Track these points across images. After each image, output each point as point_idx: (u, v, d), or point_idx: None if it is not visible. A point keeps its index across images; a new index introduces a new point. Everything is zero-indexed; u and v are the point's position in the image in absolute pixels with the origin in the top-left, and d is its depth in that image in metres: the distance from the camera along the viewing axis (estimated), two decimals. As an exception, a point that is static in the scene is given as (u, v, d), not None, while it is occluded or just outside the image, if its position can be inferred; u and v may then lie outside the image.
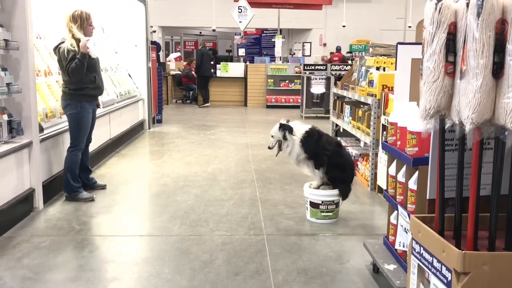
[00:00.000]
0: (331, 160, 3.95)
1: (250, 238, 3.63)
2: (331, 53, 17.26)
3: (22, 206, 3.98)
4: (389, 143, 2.95)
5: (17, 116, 4.02)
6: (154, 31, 16.76)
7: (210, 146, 7.37)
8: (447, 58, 1.92)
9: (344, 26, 17.15)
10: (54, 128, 4.76)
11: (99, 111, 5.18)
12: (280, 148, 4.07)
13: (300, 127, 4.03)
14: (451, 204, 2.22)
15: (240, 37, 16.52)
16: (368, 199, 4.74)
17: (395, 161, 2.88)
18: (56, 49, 4.36)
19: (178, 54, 18.57)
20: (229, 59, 16.32)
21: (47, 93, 4.91)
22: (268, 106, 13.37)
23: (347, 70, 10.38)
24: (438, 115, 2.01)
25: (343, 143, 6.13)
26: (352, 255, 3.35)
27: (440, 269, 1.97)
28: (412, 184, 2.56)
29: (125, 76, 8.29)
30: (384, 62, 5.35)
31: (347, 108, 5.95)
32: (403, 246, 2.71)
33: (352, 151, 5.73)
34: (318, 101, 11.29)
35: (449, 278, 1.90)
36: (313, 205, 3.97)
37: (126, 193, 4.90)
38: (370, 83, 5.05)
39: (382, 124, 4.59)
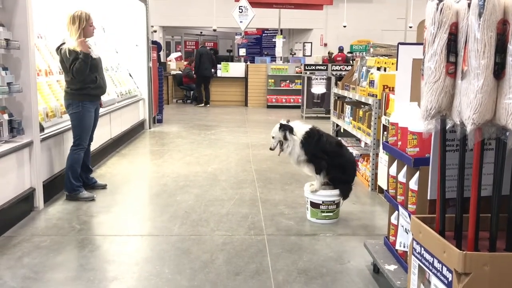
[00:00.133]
0: (331, 160, 3.95)
1: (250, 238, 3.63)
2: (329, 53, 17.24)
3: (22, 205, 3.98)
4: (390, 144, 2.94)
5: (18, 116, 4.02)
6: (155, 31, 16.77)
7: (210, 146, 7.37)
8: (448, 59, 1.92)
9: (345, 26, 17.15)
10: (55, 127, 4.76)
11: (100, 110, 5.17)
12: (282, 149, 4.06)
13: (301, 127, 4.02)
14: (452, 205, 2.22)
15: (241, 37, 16.54)
16: (369, 200, 4.74)
17: (396, 162, 2.88)
18: (58, 50, 4.38)
19: (179, 54, 18.58)
20: (230, 59, 16.33)
21: (47, 92, 4.91)
22: (268, 106, 13.38)
23: (347, 70, 10.38)
24: (439, 115, 2.01)
25: (344, 143, 6.13)
26: (352, 255, 3.35)
27: (440, 270, 1.97)
28: (413, 184, 2.56)
29: (125, 76, 8.29)
30: (385, 63, 5.35)
31: (347, 109, 5.95)
32: (404, 247, 2.71)
33: (353, 151, 5.72)
34: (319, 101, 11.28)
35: (450, 279, 1.89)
36: (314, 205, 3.97)
37: (126, 192, 4.90)
38: (371, 83, 5.05)
39: (383, 125, 4.59)
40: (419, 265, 2.17)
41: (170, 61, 16.01)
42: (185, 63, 15.05)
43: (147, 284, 2.89)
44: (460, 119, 1.89)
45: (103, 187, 4.90)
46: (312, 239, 3.64)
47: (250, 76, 13.64)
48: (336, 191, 3.98)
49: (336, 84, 6.95)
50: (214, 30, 16.84)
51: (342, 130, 6.60)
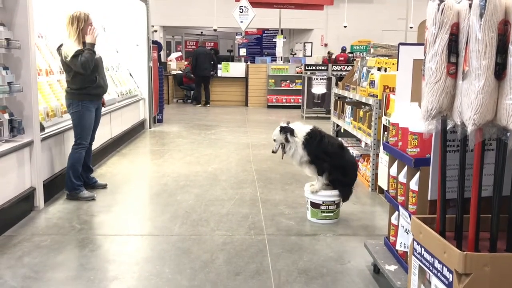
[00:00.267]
0: (333, 162, 3.94)
1: (250, 238, 3.63)
2: (329, 53, 17.23)
3: (23, 205, 3.99)
4: (391, 144, 2.94)
5: (18, 115, 4.02)
6: (155, 31, 16.77)
7: (211, 146, 7.37)
8: (449, 59, 1.92)
9: (345, 27, 17.14)
10: (55, 127, 4.76)
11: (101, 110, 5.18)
12: (284, 151, 4.05)
13: (302, 128, 4.01)
14: (452, 205, 2.22)
15: (241, 37, 16.53)
16: (369, 200, 4.74)
17: (396, 162, 2.88)
18: (59, 49, 4.38)
19: (179, 53, 18.57)
20: (230, 59, 16.32)
21: (48, 92, 4.92)
22: (269, 106, 13.38)
23: (348, 70, 10.38)
24: (440, 116, 2.01)
25: (344, 144, 6.13)
26: (353, 255, 3.35)
27: (441, 270, 1.97)
28: (414, 185, 2.56)
29: (126, 76, 8.29)
30: (386, 63, 5.35)
31: (348, 109, 5.94)
32: (404, 247, 2.71)
33: (353, 151, 5.72)
34: (319, 101, 11.28)
35: (450, 279, 1.90)
36: (314, 205, 3.97)
37: (127, 192, 4.91)
38: (371, 83, 5.05)
39: (383, 125, 4.59)
40: (419, 265, 2.17)
41: (170, 61, 16.01)
42: (186, 63, 15.05)
43: (148, 284, 2.89)
44: (461, 120, 1.89)
45: (104, 186, 4.90)
46: (313, 239, 3.64)
47: (250, 76, 13.64)
48: (337, 191, 3.98)
49: (336, 84, 6.95)
50: (215, 30, 16.84)
51: (342, 130, 6.60)
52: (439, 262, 1.98)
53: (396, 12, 17.87)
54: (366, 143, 5.19)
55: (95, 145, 5.26)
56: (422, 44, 2.10)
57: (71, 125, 4.60)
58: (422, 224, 2.15)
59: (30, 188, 4.10)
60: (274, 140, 4.06)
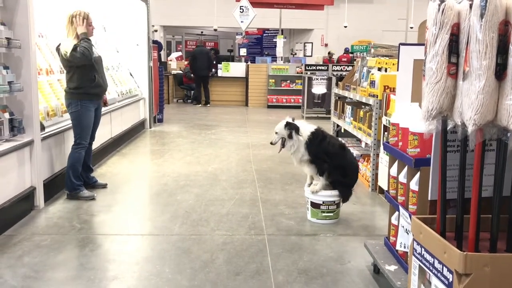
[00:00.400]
0: (333, 162, 3.94)
1: (250, 238, 3.63)
2: (329, 53, 17.23)
3: (23, 204, 3.99)
4: (391, 144, 2.94)
5: (19, 115, 4.02)
6: (156, 31, 16.77)
7: (211, 146, 7.37)
8: (450, 59, 1.92)
9: (345, 27, 17.15)
10: (55, 126, 4.76)
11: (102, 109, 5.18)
12: (283, 146, 4.04)
13: (306, 128, 4.00)
14: (452, 205, 2.22)
15: (242, 37, 16.53)
16: (369, 200, 4.74)
17: (396, 162, 2.88)
18: (58, 48, 4.39)
19: (180, 53, 18.57)
20: (231, 58, 16.32)
21: (48, 91, 4.92)
22: (269, 106, 13.38)
23: (348, 70, 10.38)
24: (440, 116, 2.01)
25: (345, 144, 6.13)
26: (353, 255, 3.35)
27: (441, 270, 1.97)
28: (414, 185, 2.56)
29: (126, 75, 8.30)
30: (386, 63, 5.35)
31: (348, 109, 5.94)
32: (404, 247, 2.71)
33: (353, 151, 5.72)
34: (319, 101, 11.29)
35: (450, 279, 1.90)
36: (314, 205, 3.97)
37: (127, 192, 4.91)
38: (372, 83, 5.05)
39: (384, 125, 4.59)
40: (419, 265, 2.17)
41: (170, 60, 16.00)
42: (186, 62, 15.05)
43: (148, 284, 2.89)
44: (461, 120, 1.89)
45: (104, 186, 4.90)
46: (313, 239, 3.64)
47: (250, 76, 13.64)
48: (337, 192, 3.98)
49: (336, 85, 6.95)
50: (215, 30, 16.85)
51: (342, 131, 6.60)
52: (439, 262, 1.98)
53: (396, 12, 17.87)
54: (366, 143, 5.19)
55: (95, 144, 5.27)
56: (423, 44, 2.10)
57: (71, 124, 4.60)
58: (422, 224, 2.15)
59: (30, 187, 4.11)
60: (276, 133, 4.04)
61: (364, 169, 5.30)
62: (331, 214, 3.98)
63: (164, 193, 4.80)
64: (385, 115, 4.55)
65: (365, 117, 5.22)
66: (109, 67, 7.31)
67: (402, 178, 2.73)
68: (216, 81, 13.86)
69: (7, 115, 3.88)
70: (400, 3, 17.31)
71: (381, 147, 4.50)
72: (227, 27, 18.53)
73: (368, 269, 3.13)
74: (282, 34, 14.70)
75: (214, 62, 14.00)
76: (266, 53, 19.78)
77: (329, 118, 7.53)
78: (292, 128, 3.95)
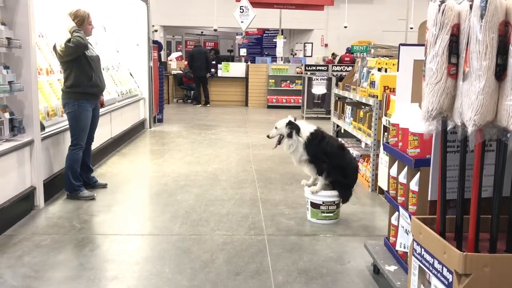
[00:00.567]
0: (332, 163, 3.94)
1: (250, 238, 3.63)
2: (332, 54, 17.25)
3: (23, 204, 3.99)
4: (391, 144, 2.95)
5: (19, 114, 4.03)
6: (156, 31, 16.76)
7: (211, 146, 7.37)
8: (450, 60, 1.92)
9: (345, 27, 17.14)
10: (56, 126, 4.76)
11: (100, 110, 5.17)
12: (279, 142, 4.06)
13: (306, 128, 4.01)
14: (452, 206, 2.22)
15: (242, 37, 16.52)
16: (369, 200, 4.74)
17: (396, 162, 2.88)
18: (54, 48, 4.39)
19: (180, 53, 18.57)
20: (231, 59, 16.32)
21: (48, 91, 4.92)
22: (269, 106, 13.38)
23: (348, 71, 10.38)
24: (440, 116, 2.02)
25: (345, 145, 6.13)
26: (352, 256, 3.35)
27: (441, 271, 1.97)
28: (414, 185, 2.56)
29: (126, 75, 8.30)
30: (386, 63, 5.35)
31: (348, 109, 5.95)
32: (404, 247, 2.71)
33: (353, 152, 5.72)
34: (319, 101, 11.29)
35: (450, 280, 1.90)
36: (314, 205, 3.98)
37: (127, 192, 4.91)
38: (372, 84, 5.05)
39: (384, 125, 4.59)
40: (419, 266, 2.18)
41: (170, 60, 16.00)
42: (186, 63, 15.05)
43: (147, 284, 2.89)
44: (461, 120, 1.90)
45: (104, 186, 4.90)
46: (313, 240, 3.64)
47: (250, 76, 13.64)
48: (336, 192, 3.98)
49: (336, 85, 6.95)
50: (215, 30, 16.84)
51: (342, 131, 6.61)
52: (439, 262, 1.98)
53: (396, 13, 17.86)
54: (366, 144, 5.19)
55: (95, 144, 5.27)
56: (423, 45, 2.10)
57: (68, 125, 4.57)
58: (422, 225, 2.15)
59: (30, 187, 4.11)
60: (276, 128, 4.05)
61: (364, 169, 5.31)
62: (331, 214, 3.98)
63: (164, 193, 4.80)
64: (385, 115, 4.55)
65: (365, 118, 5.23)
66: (109, 67, 7.31)
67: (402, 178, 2.74)
68: (216, 81, 13.86)
69: (7, 115, 3.88)
70: (400, 3, 17.31)
71: (381, 148, 4.51)
72: (227, 27, 18.52)
73: (368, 269, 3.13)
74: (282, 34, 14.70)
75: (214, 62, 13.99)
76: (266, 53, 19.78)
77: (329, 118, 7.53)
78: (293, 128, 3.96)
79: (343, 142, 5.79)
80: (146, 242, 3.60)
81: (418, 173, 2.53)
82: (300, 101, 12.17)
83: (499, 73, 1.77)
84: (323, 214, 3.97)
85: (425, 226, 2.13)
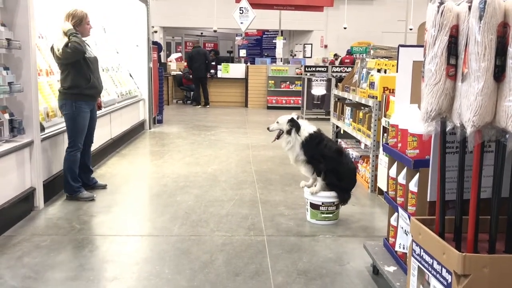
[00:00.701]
0: (328, 166, 3.95)
1: (250, 239, 3.64)
2: (335, 55, 17.28)
3: (22, 205, 3.99)
4: (390, 145, 2.95)
5: (19, 115, 4.03)
6: (156, 32, 16.78)
7: (210, 147, 7.37)
8: (448, 61, 1.93)
9: (345, 28, 17.17)
10: (55, 127, 4.76)
11: (100, 111, 5.17)
12: (278, 137, 4.08)
13: (306, 128, 4.02)
14: (451, 207, 2.23)
15: (241, 38, 16.55)
16: (369, 201, 4.74)
17: (395, 163, 2.88)
18: (52, 49, 4.38)
19: (179, 54, 18.59)
20: (230, 60, 16.33)
21: (48, 92, 4.92)
22: (268, 107, 13.39)
23: (347, 72, 10.39)
24: (439, 117, 2.02)
25: (344, 145, 6.14)
26: (352, 256, 3.36)
27: (440, 271, 1.97)
28: (413, 186, 2.57)
29: (126, 76, 8.30)
30: (385, 64, 5.36)
31: (347, 110, 5.95)
32: (403, 248, 2.72)
33: (353, 152, 5.73)
34: (319, 102, 11.30)
35: (449, 280, 1.90)
36: (313, 206, 3.98)
37: (126, 193, 4.91)
38: (371, 85, 5.06)
39: (383, 126, 4.60)
40: (418, 266, 2.18)
41: (170, 61, 16.02)
42: (185, 64, 15.07)
43: (147, 284, 2.89)
44: (460, 121, 1.90)
45: (103, 187, 4.90)
46: (312, 240, 3.65)
47: (250, 77, 13.65)
48: (335, 193, 3.98)
49: (336, 86, 6.96)
50: (215, 31, 16.86)
51: (342, 132, 6.61)
52: (438, 263, 1.99)
53: (396, 14, 17.89)
54: (365, 145, 5.20)
55: (95, 145, 5.27)
56: (422, 46, 2.11)
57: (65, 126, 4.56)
58: (421, 226, 2.15)
59: (30, 188, 4.11)
60: (277, 122, 4.08)
61: (364, 170, 5.31)
62: (331, 215, 3.98)
63: (164, 194, 4.80)
64: (385, 116, 4.56)
65: (365, 119, 5.23)
66: (109, 68, 7.31)
67: (401, 179, 2.74)
68: (215, 82, 13.88)
69: (7, 116, 3.89)
70: (399, 4, 17.35)
71: (381, 148, 4.51)
72: (227, 28, 18.55)
73: (367, 270, 3.13)
74: (281, 35, 14.71)
75: (213, 63, 14.00)
76: (265, 54, 19.80)
77: (329, 119, 7.54)
78: (293, 125, 3.98)
79: (342, 145, 5.82)
80: (146, 243, 3.61)
81: (417, 174, 2.53)
82: (300, 102, 12.19)
83: (498, 74, 1.77)
84: (323, 215, 3.97)
85: (424, 227, 2.13)
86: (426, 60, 2.00)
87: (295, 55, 19.42)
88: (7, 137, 3.87)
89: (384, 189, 3.48)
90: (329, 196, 3.96)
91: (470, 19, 1.82)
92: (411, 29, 15.79)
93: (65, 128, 4.72)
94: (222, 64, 14.11)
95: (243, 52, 17.39)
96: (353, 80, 6.17)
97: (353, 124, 5.67)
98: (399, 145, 2.78)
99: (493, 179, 1.92)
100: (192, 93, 14.27)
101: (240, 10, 13.34)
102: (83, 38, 4.50)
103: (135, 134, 8.15)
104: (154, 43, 10.11)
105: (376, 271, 3.04)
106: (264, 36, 21.25)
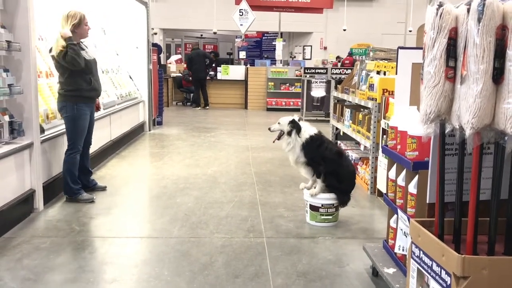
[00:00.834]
0: (328, 168, 3.95)
1: (249, 241, 3.64)
2: (337, 57, 17.33)
3: (22, 207, 3.99)
4: (389, 147, 2.96)
5: (18, 117, 4.03)
6: (155, 33, 16.79)
7: (210, 148, 7.38)
8: (447, 63, 1.93)
9: (344, 30, 17.19)
10: (55, 129, 4.76)
11: (99, 113, 5.18)
12: (278, 138, 4.09)
13: (307, 130, 4.02)
14: (450, 209, 2.23)
15: (241, 40, 16.56)
16: (368, 203, 4.74)
17: (395, 165, 2.89)
18: (50, 51, 4.38)
19: (179, 56, 18.60)
20: (230, 61, 16.35)
21: (48, 94, 4.92)
22: (268, 109, 13.39)
23: (347, 74, 10.40)
24: (438, 119, 2.03)
25: (343, 147, 6.14)
26: (351, 258, 3.36)
27: (439, 273, 1.98)
28: (412, 188, 2.57)
29: (126, 78, 8.31)
30: (385, 66, 5.36)
31: (347, 112, 5.96)
32: (403, 250, 2.72)
33: (352, 154, 5.74)
34: (318, 104, 11.31)
35: (449, 282, 1.90)
36: (313, 208, 3.98)
37: (126, 194, 4.91)
38: (371, 87, 5.06)
39: (382, 128, 4.60)
40: (418, 268, 2.18)
41: (170, 63, 16.03)
42: (185, 65, 15.08)
43: (146, 286, 2.89)
44: (459, 123, 1.91)
45: (103, 189, 4.90)
46: (312, 242, 3.65)
47: (250, 79, 13.66)
48: (335, 195, 3.98)
49: (335, 88, 6.97)
50: (215, 33, 16.87)
51: (341, 134, 6.62)
52: (438, 265, 1.99)
53: (395, 16, 17.92)
54: (365, 146, 5.20)
55: (95, 147, 5.27)
56: (421, 48, 2.11)
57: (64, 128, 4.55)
58: (421, 227, 2.16)
59: (30, 190, 4.11)
60: (279, 123, 4.09)
61: (363, 172, 5.31)
62: (330, 217, 3.99)
63: (164, 196, 4.80)
64: (384, 118, 4.56)
65: (364, 120, 5.24)
66: (109, 70, 7.32)
67: (400, 181, 2.74)
68: (215, 84, 13.89)
69: (7, 118, 3.89)
70: (399, 6, 17.37)
71: (380, 150, 4.51)
72: (227, 30, 18.57)
73: (366, 272, 3.13)
74: (281, 37, 14.73)
75: (213, 65, 14.01)
76: (265, 56, 19.81)
77: (328, 121, 7.54)
78: (294, 127, 3.99)
79: (342, 147, 5.82)
80: (145, 244, 3.61)
81: (417, 176, 2.53)
82: (300, 103, 12.19)
83: (496, 77, 1.78)
84: (322, 217, 3.97)
85: (423, 229, 2.14)
86: (425, 62, 2.01)
87: (294, 57, 19.42)
88: (7, 139, 3.87)
89: (384, 191, 3.48)
90: (328, 198, 3.96)
91: (469, 21, 1.83)
92: (410, 31, 15.81)
93: (64, 130, 4.72)
94: (222, 66, 14.12)
95: (242, 54, 17.42)
96: (353, 82, 6.18)
97: (353, 126, 5.67)
98: (399, 147, 2.79)
99: (492, 181, 1.92)
100: (191, 95, 14.27)
101: (239, 12, 13.35)
102: (82, 40, 4.51)
103: (134, 136, 8.15)
104: (154, 45, 10.11)
105: (375, 273, 3.04)
106: (263, 38, 21.28)
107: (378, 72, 5.36)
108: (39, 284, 2.88)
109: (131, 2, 8.43)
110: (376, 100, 4.83)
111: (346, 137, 6.39)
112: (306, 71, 12.04)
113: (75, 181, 4.50)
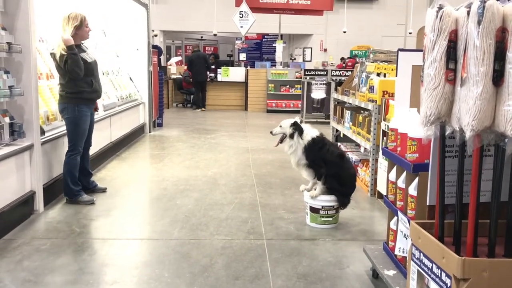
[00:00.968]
0: (330, 170, 3.95)
1: (250, 243, 3.64)
2: (342, 58, 17.37)
3: (22, 208, 3.99)
4: (390, 149, 2.96)
5: (19, 119, 4.03)
6: (156, 35, 16.82)
7: (210, 150, 7.38)
8: (447, 65, 1.94)
9: (344, 32, 17.21)
10: (55, 131, 4.77)
11: (100, 114, 5.18)
12: (281, 141, 4.09)
13: (309, 132, 4.02)
14: (451, 211, 2.23)
15: (241, 42, 16.57)
16: (368, 205, 4.74)
17: (395, 167, 2.89)
18: (52, 54, 4.38)
19: (179, 58, 18.62)
20: (230, 63, 16.37)
21: (48, 96, 4.93)
22: (268, 111, 13.40)
23: (347, 75, 10.42)
24: (438, 121, 2.03)
25: (344, 149, 6.15)
26: (352, 260, 3.36)
27: (439, 275, 1.98)
28: (412, 190, 2.57)
29: (126, 80, 8.32)
30: (385, 68, 5.37)
31: (347, 114, 5.96)
32: (403, 252, 2.72)
33: (352, 156, 5.74)
34: (319, 106, 11.32)
35: (449, 284, 1.90)
36: (313, 210, 3.98)
37: (126, 196, 4.91)
38: (371, 89, 5.07)
39: (383, 130, 4.61)
40: (418, 270, 2.18)
41: (170, 65, 16.04)
42: (185, 67, 15.09)
43: (147, 288, 2.89)
44: (459, 126, 1.91)
45: (103, 190, 4.90)
46: (312, 244, 3.64)
47: (250, 80, 13.67)
48: (335, 197, 3.98)
49: (336, 89, 6.97)
50: (215, 35, 16.88)
51: (341, 135, 6.62)
52: (438, 267, 1.99)
53: (395, 18, 17.94)
54: (365, 148, 5.21)
55: (95, 149, 5.28)
56: (421, 50, 2.12)
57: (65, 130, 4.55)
58: (421, 229, 2.16)
59: (30, 191, 4.11)
60: (280, 126, 4.09)
61: (363, 174, 5.32)
62: (330, 219, 3.99)
63: (164, 198, 4.80)
64: (384, 120, 4.57)
65: (364, 122, 5.24)
66: (109, 72, 7.33)
67: (400, 183, 2.74)
68: (215, 85, 13.90)
69: (7, 120, 3.89)
70: (399, 8, 17.40)
71: (380, 152, 4.52)
72: (227, 32, 18.59)
73: (366, 274, 3.13)
74: (281, 39, 14.75)
75: (213, 67, 14.03)
76: (265, 58, 19.82)
77: (329, 123, 7.55)
78: (296, 129, 3.99)
79: (343, 150, 5.82)
80: (145, 246, 3.61)
81: (417, 178, 2.54)
82: (300, 105, 12.20)
83: (496, 79, 1.78)
84: (322, 219, 3.97)
85: (423, 231, 2.14)
86: (425, 64, 2.02)
87: (294, 58, 19.46)
88: (7, 140, 3.88)
89: (384, 193, 3.48)
90: (329, 200, 3.96)
91: (469, 24, 1.83)
92: (410, 33, 15.81)
93: (65, 131, 4.72)
94: (222, 67, 14.14)
95: (243, 56, 17.42)
96: (353, 84, 6.18)
97: (353, 128, 5.68)
98: (399, 149, 2.79)
99: (492, 183, 1.92)
100: (192, 96, 14.28)
101: (240, 14, 13.37)
102: (83, 41, 4.52)
103: (135, 138, 8.16)
104: (154, 46, 10.13)
105: (375, 275, 3.04)
106: (264, 40, 21.30)
107: (378, 74, 5.36)
108: (39, 286, 2.88)
109: (131, 4, 8.45)
110: (376, 102, 4.84)
111: (346, 139, 6.39)
112: (306, 73, 12.05)
113: (75, 182, 4.51)
